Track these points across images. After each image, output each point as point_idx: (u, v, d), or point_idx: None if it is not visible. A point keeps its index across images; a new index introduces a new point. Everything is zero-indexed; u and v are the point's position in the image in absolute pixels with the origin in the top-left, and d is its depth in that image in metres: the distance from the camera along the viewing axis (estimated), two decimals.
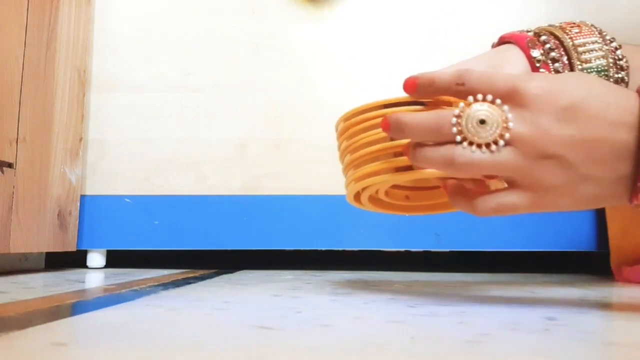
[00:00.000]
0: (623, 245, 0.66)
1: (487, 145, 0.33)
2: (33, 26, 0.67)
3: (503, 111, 0.33)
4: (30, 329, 0.28)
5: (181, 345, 0.25)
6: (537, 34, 0.44)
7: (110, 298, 0.43)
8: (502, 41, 0.46)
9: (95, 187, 0.80)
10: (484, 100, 0.34)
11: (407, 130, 0.36)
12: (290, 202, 0.78)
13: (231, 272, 0.73)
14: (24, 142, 0.65)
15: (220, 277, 0.65)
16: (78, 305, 0.39)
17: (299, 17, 0.82)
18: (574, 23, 0.45)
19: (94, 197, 0.79)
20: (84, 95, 0.80)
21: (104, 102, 0.81)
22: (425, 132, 0.36)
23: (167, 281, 0.58)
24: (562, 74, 0.36)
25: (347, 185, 0.43)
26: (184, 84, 0.81)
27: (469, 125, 0.33)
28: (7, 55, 0.62)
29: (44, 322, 0.31)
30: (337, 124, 0.44)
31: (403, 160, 0.38)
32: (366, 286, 0.55)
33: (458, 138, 0.34)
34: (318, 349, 0.24)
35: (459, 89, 0.36)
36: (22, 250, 0.65)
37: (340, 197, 0.78)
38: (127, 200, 0.79)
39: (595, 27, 0.44)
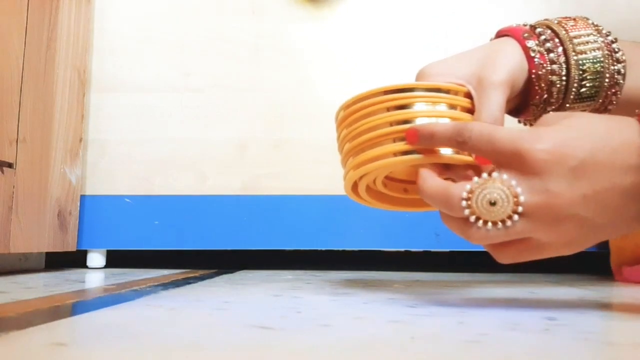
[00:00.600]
0: (623, 245, 0.66)
1: (502, 222, 0.33)
2: (33, 26, 0.67)
3: (511, 186, 0.33)
4: (30, 329, 0.28)
5: (181, 345, 0.25)
6: (533, 27, 0.44)
7: (110, 298, 0.43)
8: (500, 35, 0.46)
9: (95, 187, 0.80)
10: (490, 176, 0.34)
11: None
12: (290, 202, 0.78)
13: (231, 272, 0.73)
14: (24, 142, 0.65)
15: (220, 277, 0.65)
16: (78, 305, 0.39)
17: (299, 17, 0.82)
18: (569, 17, 0.45)
19: (94, 197, 0.79)
20: (84, 95, 0.80)
21: (104, 102, 0.81)
22: (434, 203, 0.36)
23: (167, 281, 0.58)
24: (563, 123, 0.34)
25: (346, 174, 0.43)
26: (184, 84, 0.81)
27: (480, 207, 0.33)
28: (7, 55, 0.62)
29: (44, 322, 0.31)
30: (336, 113, 0.44)
31: (402, 146, 0.38)
32: (366, 286, 0.55)
33: (472, 218, 0.34)
34: (318, 349, 0.24)
35: (460, 148, 0.36)
36: (22, 250, 0.65)
37: (341, 197, 0.78)
38: (127, 200, 0.79)
39: (592, 21, 0.44)
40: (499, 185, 0.33)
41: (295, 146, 0.79)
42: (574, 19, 0.44)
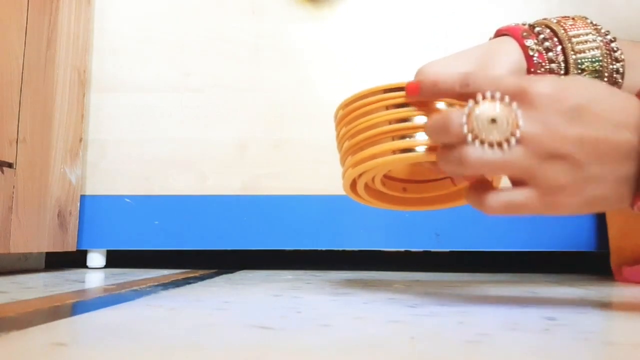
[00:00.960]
0: (623, 245, 0.66)
1: (499, 145, 0.33)
2: (33, 26, 0.67)
3: (512, 109, 0.33)
4: (30, 329, 0.28)
5: (181, 345, 0.25)
6: (532, 26, 0.45)
7: (110, 298, 0.43)
8: (499, 34, 0.46)
9: (95, 187, 0.80)
10: (492, 98, 0.34)
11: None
12: (290, 202, 0.78)
13: (231, 272, 0.73)
14: (24, 142, 0.65)
15: (220, 277, 0.65)
16: (78, 305, 0.39)
17: (299, 17, 0.82)
18: (568, 17, 0.45)
19: (94, 197, 0.79)
20: (84, 95, 0.80)
21: (104, 102, 0.81)
22: (434, 133, 0.36)
23: (167, 281, 0.58)
24: (567, 77, 0.36)
25: (345, 172, 0.43)
26: (184, 84, 0.81)
27: (480, 124, 0.33)
28: (7, 55, 0.62)
29: (44, 322, 0.31)
30: (336, 111, 0.44)
31: (402, 143, 0.38)
32: (366, 286, 0.55)
33: (469, 137, 0.34)
34: (318, 349, 0.24)
35: (464, 91, 0.36)
36: (22, 250, 0.65)
37: (341, 197, 0.78)
38: (127, 200, 0.79)
39: (590, 21, 0.45)
40: (500, 105, 0.33)
41: (295, 146, 0.79)
42: (573, 19, 0.45)
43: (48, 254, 0.80)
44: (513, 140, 0.33)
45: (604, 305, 0.43)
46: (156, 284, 0.55)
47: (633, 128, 0.32)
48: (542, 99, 0.33)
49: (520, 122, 0.33)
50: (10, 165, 0.63)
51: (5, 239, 0.62)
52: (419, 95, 0.38)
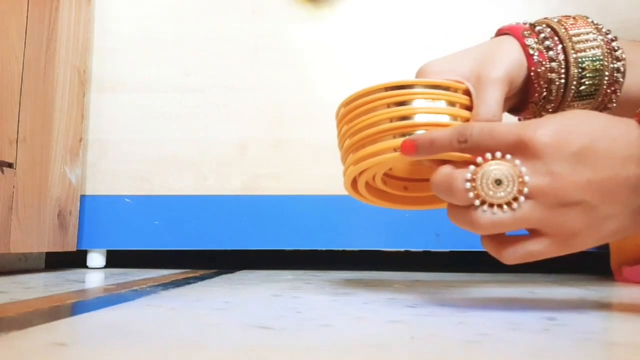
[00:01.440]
0: (623, 245, 0.66)
1: (508, 204, 0.33)
2: (33, 26, 0.67)
3: (516, 166, 0.33)
4: (30, 329, 0.28)
5: (181, 345, 0.25)
6: (533, 25, 0.44)
7: (110, 298, 0.43)
8: (499, 33, 0.46)
9: (95, 187, 0.80)
10: (494, 157, 0.33)
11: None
12: (290, 202, 0.78)
13: (231, 272, 0.73)
14: (24, 142, 0.65)
15: (220, 277, 0.65)
16: (78, 305, 0.39)
17: (299, 17, 0.82)
18: (569, 16, 0.45)
19: (94, 197, 0.79)
20: (84, 95, 0.80)
21: (104, 102, 0.81)
22: (440, 193, 0.36)
23: (167, 281, 0.58)
24: (564, 115, 0.35)
25: (345, 170, 0.43)
26: (184, 84, 0.81)
27: (485, 187, 0.33)
28: (7, 55, 0.62)
29: (44, 322, 0.31)
30: (337, 109, 0.44)
31: (402, 141, 0.38)
32: (366, 286, 0.55)
33: (477, 202, 0.33)
34: (318, 349, 0.24)
35: (462, 147, 0.35)
36: (22, 250, 0.65)
37: (341, 197, 0.78)
38: (127, 200, 0.79)
39: (591, 20, 0.44)
40: (504, 165, 0.33)
41: (295, 146, 0.79)
42: (574, 18, 0.44)
43: (48, 254, 0.80)
44: (522, 199, 0.33)
45: (604, 305, 0.43)
46: (156, 284, 0.55)
47: (637, 160, 0.32)
48: (544, 149, 0.32)
49: (526, 179, 0.32)
50: (10, 165, 0.63)
51: (5, 239, 0.62)
52: (416, 154, 0.37)
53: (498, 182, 0.33)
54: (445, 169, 0.35)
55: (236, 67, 0.81)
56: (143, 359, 0.22)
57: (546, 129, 0.33)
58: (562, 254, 0.35)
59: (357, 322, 0.32)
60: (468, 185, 0.33)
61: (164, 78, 0.81)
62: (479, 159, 0.34)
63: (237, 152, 0.79)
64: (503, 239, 0.35)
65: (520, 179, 0.32)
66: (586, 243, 0.34)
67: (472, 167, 0.34)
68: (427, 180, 0.47)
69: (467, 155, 0.37)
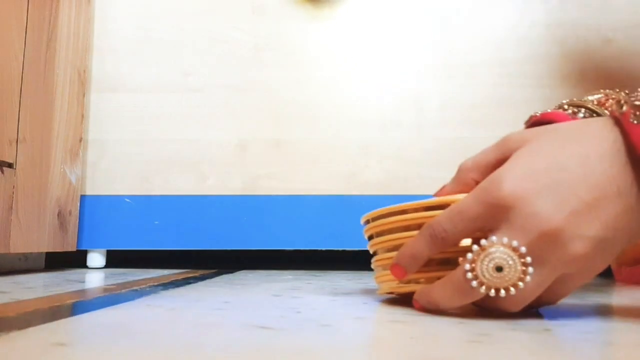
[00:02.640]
0: None
1: (520, 280, 0.32)
2: (33, 26, 0.67)
3: (510, 245, 0.32)
4: (30, 329, 0.28)
5: (181, 345, 0.25)
6: (575, 112, 0.42)
7: (110, 298, 0.43)
8: (536, 120, 0.42)
9: (95, 187, 0.80)
10: (480, 247, 0.32)
11: (437, 305, 0.35)
12: (290, 202, 0.78)
13: (231, 272, 0.73)
14: (24, 142, 0.65)
15: (220, 277, 0.65)
16: (78, 305, 0.39)
17: (298, 17, 0.82)
18: (608, 94, 0.42)
19: (94, 197, 0.79)
20: (84, 95, 0.80)
21: (104, 102, 0.81)
22: (456, 301, 0.34)
23: (167, 281, 0.58)
24: (521, 149, 0.34)
25: (379, 278, 0.41)
26: (184, 84, 0.81)
27: (489, 276, 0.32)
28: (7, 55, 0.62)
29: (44, 322, 0.31)
30: (374, 216, 0.41)
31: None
32: (366, 286, 0.55)
33: (492, 292, 0.32)
34: (318, 349, 0.24)
35: (444, 243, 0.34)
36: (22, 250, 0.65)
37: (341, 197, 0.78)
38: (127, 200, 0.79)
39: (626, 93, 0.41)
40: (495, 248, 0.32)
41: (295, 146, 0.79)
42: (614, 98, 0.42)
43: (48, 254, 0.80)
44: (530, 269, 0.31)
45: (604, 305, 0.43)
46: (156, 284, 0.55)
47: (618, 172, 0.31)
48: (516, 202, 0.31)
49: (523, 250, 0.31)
50: (10, 165, 0.63)
51: (5, 239, 0.61)
52: (408, 272, 0.36)
53: (499, 269, 0.32)
54: (442, 281, 0.34)
55: (236, 67, 0.81)
56: (143, 359, 0.22)
57: (508, 181, 0.32)
58: (584, 282, 0.34)
59: (357, 322, 0.32)
60: (475, 284, 0.32)
61: (164, 78, 0.81)
62: (472, 250, 0.32)
63: (237, 152, 0.79)
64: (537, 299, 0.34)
65: (518, 253, 0.31)
66: (605, 264, 0.33)
67: (467, 265, 0.32)
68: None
69: (456, 197, 0.35)
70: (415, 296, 0.36)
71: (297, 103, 0.80)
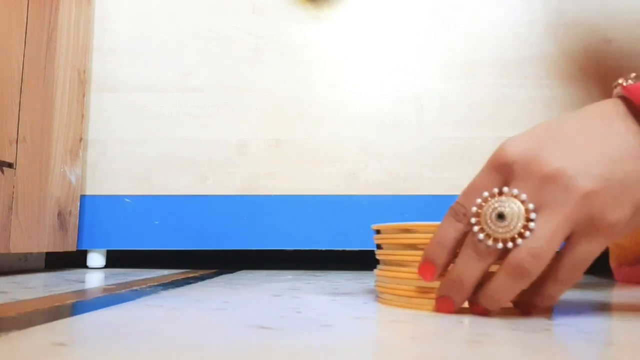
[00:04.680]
0: (623, 245, 0.66)
1: (520, 235, 0.31)
2: (33, 26, 0.67)
3: (503, 193, 0.32)
4: (30, 329, 0.28)
5: (181, 345, 0.25)
6: None
7: (110, 298, 0.43)
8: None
9: (95, 187, 0.80)
10: (477, 204, 0.32)
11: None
12: (290, 202, 0.78)
13: (231, 272, 0.73)
14: (24, 142, 0.65)
15: (220, 277, 0.65)
16: (78, 305, 0.39)
17: (299, 17, 0.82)
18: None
19: (94, 197, 0.79)
20: (84, 95, 0.80)
21: (104, 102, 0.81)
22: (471, 266, 0.33)
23: (167, 281, 0.58)
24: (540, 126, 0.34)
25: (390, 290, 0.40)
26: (184, 84, 0.81)
27: (492, 226, 0.32)
28: (7, 55, 0.62)
29: (44, 322, 0.31)
30: (393, 229, 0.40)
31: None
32: (366, 286, 0.55)
33: (500, 245, 0.32)
34: (318, 349, 0.24)
35: (466, 221, 0.33)
36: (22, 250, 0.65)
37: (341, 197, 0.78)
38: (127, 200, 0.79)
39: None
40: (494, 201, 0.32)
41: (295, 146, 0.79)
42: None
43: (48, 254, 0.80)
44: (533, 215, 0.31)
45: (604, 305, 0.43)
46: (156, 284, 0.55)
47: (619, 138, 0.31)
48: (521, 154, 0.32)
49: (523, 197, 0.31)
50: (10, 165, 0.63)
51: (5, 239, 0.62)
52: (437, 271, 0.34)
53: (501, 217, 0.31)
54: (451, 271, 0.34)
55: (236, 67, 0.81)
56: (143, 359, 0.22)
57: (511, 143, 0.33)
58: (610, 241, 0.32)
59: (357, 322, 0.32)
60: (482, 236, 0.32)
61: (164, 78, 0.81)
62: (473, 209, 0.33)
63: (237, 152, 0.80)
64: (550, 269, 0.33)
65: (518, 199, 0.31)
66: (625, 214, 0.31)
67: (473, 219, 0.32)
68: None
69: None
70: (437, 292, 0.35)
71: (297, 103, 0.80)
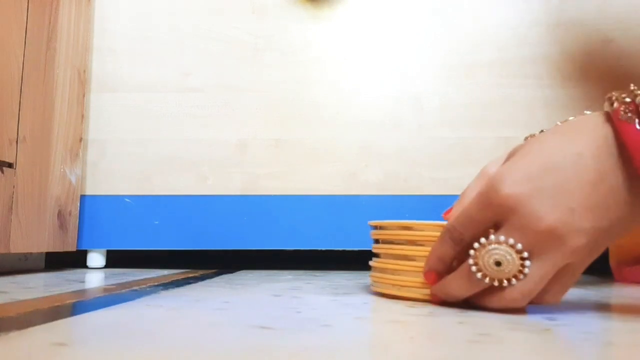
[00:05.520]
0: (623, 245, 0.66)
1: (520, 272, 0.35)
2: (33, 26, 0.67)
3: (502, 242, 0.35)
4: (30, 329, 0.28)
5: (181, 345, 0.25)
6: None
7: (110, 298, 0.43)
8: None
9: (95, 187, 0.80)
10: (480, 244, 0.35)
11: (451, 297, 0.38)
12: (290, 202, 0.78)
13: (231, 272, 0.73)
14: (24, 142, 0.65)
15: (220, 277, 0.65)
16: (78, 305, 0.39)
17: (299, 17, 0.82)
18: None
19: (94, 197, 0.79)
20: (84, 95, 0.80)
21: (104, 102, 0.81)
22: (462, 286, 0.37)
23: (167, 281, 0.58)
24: (517, 153, 0.36)
25: (382, 281, 0.45)
26: (184, 84, 0.81)
27: (490, 269, 0.35)
28: (7, 55, 0.62)
29: (44, 322, 0.31)
30: (393, 226, 0.44)
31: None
32: (366, 286, 0.55)
33: (496, 283, 0.35)
34: (318, 349, 0.24)
35: (460, 242, 0.37)
36: (22, 250, 0.65)
37: (341, 197, 0.78)
38: (127, 200, 0.79)
39: None
40: (494, 247, 0.35)
41: (295, 146, 0.79)
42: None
43: (48, 254, 0.80)
44: (527, 263, 0.34)
45: (604, 305, 0.43)
46: (156, 284, 0.55)
47: (611, 169, 0.33)
48: (518, 202, 0.34)
49: (519, 246, 0.34)
50: (10, 165, 0.63)
51: (5, 239, 0.61)
52: (439, 277, 0.39)
53: (498, 264, 0.35)
54: (453, 274, 0.38)
55: (236, 67, 0.81)
56: (143, 359, 0.22)
57: (506, 184, 0.34)
58: (586, 265, 0.36)
59: (357, 322, 0.32)
60: (479, 276, 0.35)
61: (164, 78, 0.81)
62: (471, 252, 0.36)
63: (237, 152, 0.79)
64: (542, 292, 0.36)
65: (514, 249, 0.34)
66: (606, 246, 0.35)
67: (470, 260, 0.36)
68: None
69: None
70: (432, 290, 0.40)
71: (297, 103, 0.80)
